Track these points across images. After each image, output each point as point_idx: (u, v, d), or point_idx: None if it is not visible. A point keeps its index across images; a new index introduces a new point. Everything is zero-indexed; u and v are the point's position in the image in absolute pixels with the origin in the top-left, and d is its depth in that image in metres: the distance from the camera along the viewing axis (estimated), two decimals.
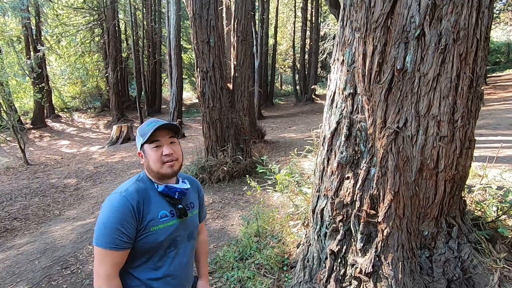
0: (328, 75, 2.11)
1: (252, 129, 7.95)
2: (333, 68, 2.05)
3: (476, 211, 2.21)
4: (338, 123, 1.94)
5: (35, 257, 3.23)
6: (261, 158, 3.60)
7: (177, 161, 1.17)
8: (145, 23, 19.34)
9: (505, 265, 1.75)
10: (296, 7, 21.25)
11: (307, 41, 20.05)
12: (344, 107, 1.89)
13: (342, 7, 1.90)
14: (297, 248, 2.63)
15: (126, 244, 1.05)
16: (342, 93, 1.90)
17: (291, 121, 14.64)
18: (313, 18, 19.14)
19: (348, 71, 1.86)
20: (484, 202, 2.28)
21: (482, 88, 1.67)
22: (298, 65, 20.77)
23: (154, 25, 20.20)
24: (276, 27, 20.19)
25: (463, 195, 2.12)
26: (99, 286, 1.04)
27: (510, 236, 1.97)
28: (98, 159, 9.58)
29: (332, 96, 2.03)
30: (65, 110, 18.56)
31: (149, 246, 1.10)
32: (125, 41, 21.28)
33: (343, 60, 1.90)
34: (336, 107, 1.96)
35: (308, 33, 19.98)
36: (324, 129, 2.09)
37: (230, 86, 5.79)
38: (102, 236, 1.03)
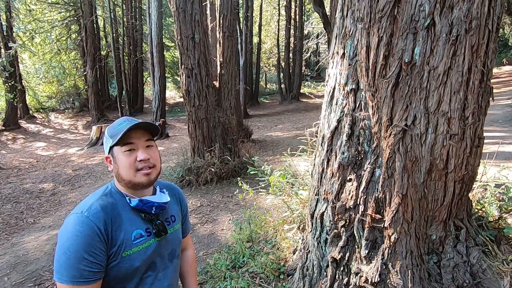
0: (326, 70, 1.98)
1: (239, 128, 7.76)
2: (331, 62, 1.91)
3: (477, 210, 2.15)
4: (339, 121, 1.80)
5: (5, 273, 2.92)
6: (252, 158, 3.44)
7: (154, 168, 0.98)
8: (125, 20, 18.67)
9: None
10: (280, 6, 21.18)
11: (292, 39, 20.02)
12: (346, 104, 1.76)
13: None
14: (293, 254, 2.49)
15: (97, 275, 0.86)
16: (343, 89, 1.77)
17: (277, 119, 14.58)
18: (297, 16, 19.14)
19: (349, 65, 1.72)
20: (483, 200, 2.22)
21: (491, 82, 1.58)
22: (283, 64, 20.71)
23: (135, 22, 19.56)
24: (260, 25, 20.05)
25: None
26: None
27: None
28: (76, 162, 9.11)
29: (331, 92, 1.89)
30: (41, 110, 17.58)
31: (122, 275, 0.91)
32: (104, 39, 20.50)
33: (343, 53, 1.76)
34: (337, 104, 1.83)
35: (292, 31, 19.94)
36: (323, 128, 1.95)
37: (216, 84, 5.59)
38: (65, 270, 0.83)
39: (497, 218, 2.03)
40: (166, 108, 16.75)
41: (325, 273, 1.90)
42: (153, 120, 14.05)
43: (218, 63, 5.49)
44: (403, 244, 1.61)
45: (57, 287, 0.86)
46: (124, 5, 18.47)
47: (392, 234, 1.62)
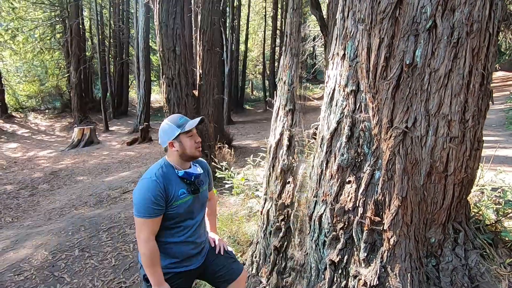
0: (275, 91, 2.13)
1: (221, 134, 7.88)
2: (331, 63, 1.91)
3: (474, 214, 2.17)
4: (338, 122, 1.79)
5: None
6: (220, 164, 3.56)
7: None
8: (112, 22, 18.36)
9: None
10: (267, 16, 21.47)
11: (277, 49, 20.27)
12: (346, 106, 1.75)
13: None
14: (249, 246, 2.60)
15: (159, 212, 1.36)
16: (343, 90, 1.76)
17: (259, 126, 14.78)
18: (283, 27, 19.42)
19: (350, 66, 1.72)
20: (480, 204, 2.25)
21: (490, 85, 1.61)
22: (268, 72, 20.90)
23: (122, 25, 19.27)
24: (247, 34, 20.23)
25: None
26: (140, 248, 1.36)
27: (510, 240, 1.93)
28: (55, 164, 8.72)
29: (331, 93, 1.87)
30: (20, 110, 16.83)
31: (173, 216, 1.42)
32: (90, 40, 20.01)
33: (344, 55, 1.76)
34: (336, 105, 1.81)
35: (278, 41, 20.22)
36: (322, 130, 1.93)
37: (196, 93, 5.68)
38: (142, 209, 1.33)
39: (494, 222, 2.05)
40: (151, 112, 16.50)
41: (323, 276, 1.85)
42: (137, 123, 13.84)
43: (198, 74, 5.71)
44: (403, 247, 1.59)
45: (135, 220, 1.36)
46: (111, 8, 18.21)
47: (391, 237, 1.60)
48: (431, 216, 1.64)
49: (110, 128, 14.91)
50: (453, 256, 1.66)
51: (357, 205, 1.72)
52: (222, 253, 1.67)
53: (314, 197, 1.97)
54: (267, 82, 21.12)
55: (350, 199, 1.74)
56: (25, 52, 16.61)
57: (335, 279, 1.79)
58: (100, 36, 16.51)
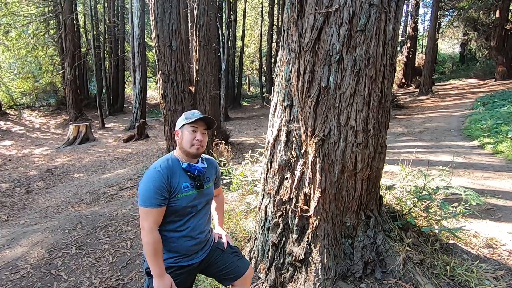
0: (273, 87, 2.38)
1: (217, 131, 8.11)
2: (276, 81, 2.32)
3: (396, 205, 2.62)
4: (278, 130, 2.21)
5: None
6: (219, 159, 3.81)
7: (202, 147, 1.51)
8: (106, 18, 18.54)
9: (408, 248, 2.14)
10: (263, 11, 21.73)
11: (274, 45, 20.59)
12: (283, 117, 2.17)
13: (282, 30, 2.18)
14: (247, 242, 2.87)
15: (162, 202, 1.39)
16: (282, 104, 2.18)
17: (256, 122, 14.96)
18: (280, 22, 19.69)
19: (286, 85, 2.13)
20: (402, 198, 2.70)
21: (390, 103, 2.04)
22: (265, 68, 21.23)
23: (117, 21, 19.45)
24: (243, 30, 20.45)
25: (384, 191, 2.51)
26: (143, 238, 1.37)
27: (417, 225, 2.38)
28: (50, 161, 9.07)
29: (274, 106, 2.29)
30: (14, 107, 17.08)
31: (175, 209, 1.44)
32: (84, 36, 20.20)
33: (282, 76, 2.17)
34: (278, 116, 2.24)
35: (274, 36, 20.52)
36: (268, 135, 2.35)
37: (193, 89, 5.91)
38: (146, 198, 1.37)
39: (407, 211, 2.50)
40: (147, 109, 16.76)
41: (267, 256, 2.29)
42: (133, 120, 14.14)
43: (194, 70, 5.82)
44: (322, 229, 2.03)
45: (140, 210, 1.38)
46: (106, 3, 18.36)
47: (314, 221, 2.04)
48: (346, 205, 2.09)
49: (106, 125, 15.20)
50: (364, 237, 2.11)
51: (291, 196, 2.16)
52: (225, 246, 1.67)
53: (262, 191, 2.41)
54: (263, 78, 21.44)
55: (287, 192, 2.18)
56: (18, 48, 16.74)
57: (275, 257, 2.22)
58: (94, 32, 16.70)
